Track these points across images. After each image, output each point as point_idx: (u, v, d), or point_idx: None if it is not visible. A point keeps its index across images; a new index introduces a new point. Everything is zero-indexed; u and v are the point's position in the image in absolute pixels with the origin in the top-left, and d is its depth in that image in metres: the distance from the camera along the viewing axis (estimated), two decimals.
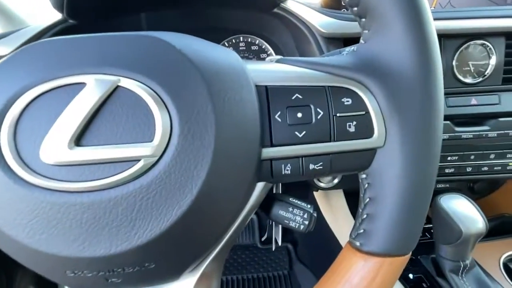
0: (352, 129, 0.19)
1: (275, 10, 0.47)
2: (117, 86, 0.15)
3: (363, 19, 0.20)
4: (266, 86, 0.19)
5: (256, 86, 0.19)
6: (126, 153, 0.15)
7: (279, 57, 0.24)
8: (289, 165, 0.19)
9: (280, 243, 0.36)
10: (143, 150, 0.15)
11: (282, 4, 0.46)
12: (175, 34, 0.18)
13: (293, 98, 0.19)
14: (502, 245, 0.48)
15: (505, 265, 0.45)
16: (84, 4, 0.41)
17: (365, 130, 0.19)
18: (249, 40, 0.56)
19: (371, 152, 0.19)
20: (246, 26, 0.55)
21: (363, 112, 0.19)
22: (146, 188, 0.15)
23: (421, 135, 0.18)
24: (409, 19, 0.18)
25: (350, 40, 0.43)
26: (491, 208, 0.58)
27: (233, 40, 0.56)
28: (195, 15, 0.53)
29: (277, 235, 0.38)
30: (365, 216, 0.20)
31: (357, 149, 0.19)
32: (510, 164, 0.46)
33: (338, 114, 0.19)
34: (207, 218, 0.17)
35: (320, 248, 0.68)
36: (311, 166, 0.19)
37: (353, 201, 0.57)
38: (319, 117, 0.19)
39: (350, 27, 0.42)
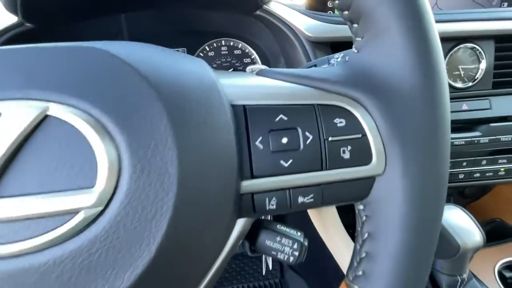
0: (346, 155, 0.16)
1: (258, 12, 0.44)
2: (46, 116, 0.12)
3: (355, 25, 0.17)
4: (244, 106, 0.16)
5: (232, 105, 0.16)
6: (59, 204, 0.12)
7: (263, 67, 0.21)
8: (274, 198, 0.16)
9: (271, 267, 0.34)
10: (82, 199, 0.12)
11: (265, 6, 0.43)
12: (123, 43, 0.14)
13: (276, 119, 0.16)
14: (495, 252, 0.47)
15: (500, 274, 0.44)
16: (41, 5, 0.36)
17: (362, 156, 0.16)
18: (232, 44, 0.53)
19: (369, 181, 0.17)
20: (228, 29, 0.52)
21: (359, 135, 0.16)
22: (88, 249, 0.12)
23: (427, 160, 0.16)
24: (409, 24, 0.15)
25: (337, 44, 0.41)
26: (482, 212, 0.58)
27: (215, 44, 0.52)
28: (175, 17, 0.50)
29: (268, 258, 0.35)
30: (363, 254, 0.17)
31: (353, 178, 0.17)
32: (502, 169, 0.45)
33: (330, 138, 0.16)
34: (172, 276, 0.13)
35: (311, 255, 0.67)
36: (300, 199, 0.16)
37: (344, 208, 0.56)
38: (308, 142, 0.16)
39: (338, 30, 0.41)
